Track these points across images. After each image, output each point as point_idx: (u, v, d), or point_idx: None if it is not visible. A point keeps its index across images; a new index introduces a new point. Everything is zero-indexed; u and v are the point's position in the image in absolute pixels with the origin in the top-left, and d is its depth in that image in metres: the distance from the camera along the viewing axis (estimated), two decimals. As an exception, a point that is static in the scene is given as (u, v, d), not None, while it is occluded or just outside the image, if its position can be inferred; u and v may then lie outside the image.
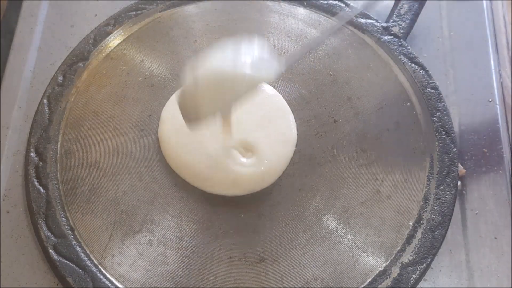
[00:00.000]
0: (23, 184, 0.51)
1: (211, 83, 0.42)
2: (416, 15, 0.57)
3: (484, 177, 0.52)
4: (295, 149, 0.51)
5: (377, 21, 0.58)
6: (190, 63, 0.43)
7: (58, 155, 0.50)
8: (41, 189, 0.48)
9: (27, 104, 0.56)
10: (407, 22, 0.57)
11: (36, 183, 0.49)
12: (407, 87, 0.54)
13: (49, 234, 0.46)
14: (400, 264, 0.45)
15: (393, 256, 0.46)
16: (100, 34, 0.57)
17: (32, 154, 0.50)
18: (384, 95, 0.54)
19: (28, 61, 0.58)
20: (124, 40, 0.57)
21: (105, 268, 0.45)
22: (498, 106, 0.56)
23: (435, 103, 0.53)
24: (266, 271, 0.45)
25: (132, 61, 0.56)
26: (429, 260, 0.45)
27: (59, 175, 0.49)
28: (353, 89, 0.54)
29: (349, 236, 0.47)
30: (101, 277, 0.45)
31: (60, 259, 0.45)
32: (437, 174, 0.49)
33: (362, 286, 0.45)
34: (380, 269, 0.45)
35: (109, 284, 0.44)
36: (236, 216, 0.48)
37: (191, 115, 0.44)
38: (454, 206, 0.48)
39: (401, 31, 0.57)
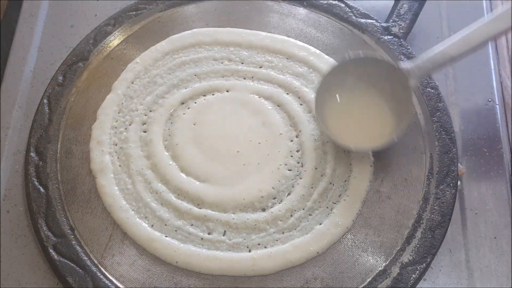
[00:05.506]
0: (23, 184, 0.51)
1: None
2: (416, 15, 0.57)
3: (484, 177, 0.52)
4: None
5: (377, 21, 0.58)
6: None
7: (58, 155, 0.50)
8: (41, 189, 0.48)
9: (27, 104, 0.56)
10: (407, 22, 0.57)
11: (36, 183, 0.49)
12: (407, 87, 0.54)
13: (49, 234, 0.46)
14: (400, 264, 0.45)
15: (393, 255, 0.46)
16: (100, 34, 0.57)
17: (32, 154, 0.50)
18: (384, 95, 0.54)
19: (28, 61, 0.58)
20: (124, 40, 0.57)
21: (105, 268, 0.45)
22: (498, 106, 0.56)
23: (435, 103, 0.53)
24: (266, 271, 0.45)
25: (132, 61, 0.56)
26: (428, 260, 0.45)
27: (59, 175, 0.49)
28: (353, 89, 0.54)
29: (349, 236, 0.47)
30: (101, 277, 0.45)
31: (60, 259, 0.45)
32: (437, 174, 0.49)
33: (362, 285, 0.45)
34: (380, 268, 0.45)
35: (109, 284, 0.44)
36: (236, 216, 0.48)
37: None
38: (453, 206, 0.48)
39: (401, 31, 0.57)
